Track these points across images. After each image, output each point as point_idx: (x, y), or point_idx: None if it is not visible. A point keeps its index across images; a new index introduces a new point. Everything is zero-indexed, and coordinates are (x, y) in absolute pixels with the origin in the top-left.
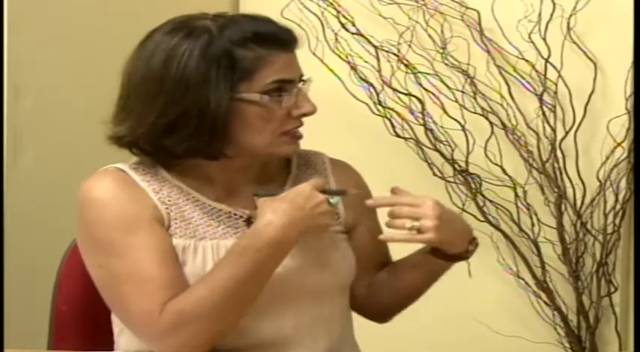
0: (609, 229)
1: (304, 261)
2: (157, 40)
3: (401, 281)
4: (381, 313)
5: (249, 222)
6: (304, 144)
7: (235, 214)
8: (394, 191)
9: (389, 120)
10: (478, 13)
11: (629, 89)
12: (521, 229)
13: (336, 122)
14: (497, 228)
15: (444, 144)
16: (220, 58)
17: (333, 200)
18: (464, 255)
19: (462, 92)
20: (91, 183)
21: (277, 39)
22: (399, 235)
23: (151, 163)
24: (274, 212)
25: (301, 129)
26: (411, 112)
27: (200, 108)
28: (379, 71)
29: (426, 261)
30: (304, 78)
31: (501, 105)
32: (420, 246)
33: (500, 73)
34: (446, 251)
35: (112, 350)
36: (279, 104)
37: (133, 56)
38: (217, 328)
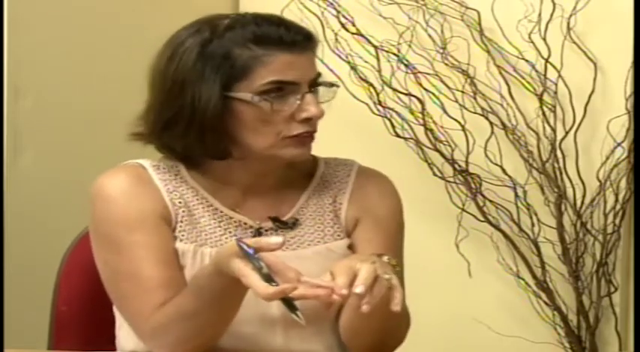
0: (609, 229)
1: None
2: (172, 36)
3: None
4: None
5: (259, 233)
6: None
7: (245, 224)
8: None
9: (389, 120)
10: (478, 13)
11: (629, 89)
12: (521, 229)
13: (336, 122)
14: (497, 228)
15: (444, 144)
16: (217, 56)
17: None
18: None
19: (462, 92)
20: (105, 179)
21: (278, 40)
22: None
23: (174, 162)
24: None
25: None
26: (411, 112)
27: (192, 105)
28: (379, 71)
29: None
30: (321, 80)
31: (501, 105)
32: None
33: (500, 73)
34: None
35: (112, 350)
36: (274, 106)
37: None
38: (199, 340)
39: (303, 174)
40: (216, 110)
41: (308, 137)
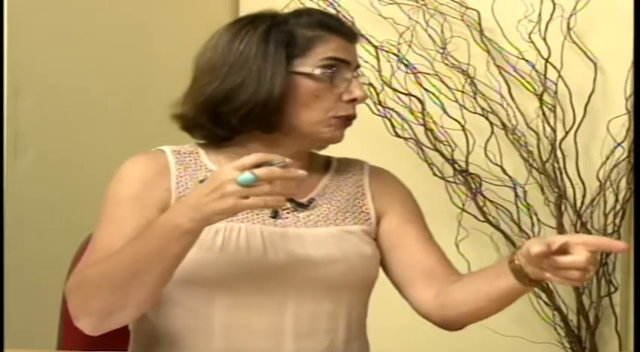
0: (609, 229)
1: (311, 254)
2: (223, 29)
3: (479, 292)
4: (452, 322)
5: (276, 212)
6: None
7: None
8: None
9: (389, 120)
10: (478, 13)
11: (629, 89)
12: (521, 229)
13: None
14: (497, 228)
15: (444, 144)
16: (281, 36)
17: (242, 178)
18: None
19: (462, 92)
20: (127, 162)
21: (337, 28)
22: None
23: (195, 148)
24: (182, 201)
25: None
26: (411, 112)
27: (258, 79)
28: (379, 71)
29: (508, 280)
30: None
31: (501, 105)
32: None
33: (500, 73)
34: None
35: (121, 349)
36: (331, 80)
37: (202, 47)
38: (111, 298)
39: (320, 166)
40: (282, 86)
41: (348, 121)
